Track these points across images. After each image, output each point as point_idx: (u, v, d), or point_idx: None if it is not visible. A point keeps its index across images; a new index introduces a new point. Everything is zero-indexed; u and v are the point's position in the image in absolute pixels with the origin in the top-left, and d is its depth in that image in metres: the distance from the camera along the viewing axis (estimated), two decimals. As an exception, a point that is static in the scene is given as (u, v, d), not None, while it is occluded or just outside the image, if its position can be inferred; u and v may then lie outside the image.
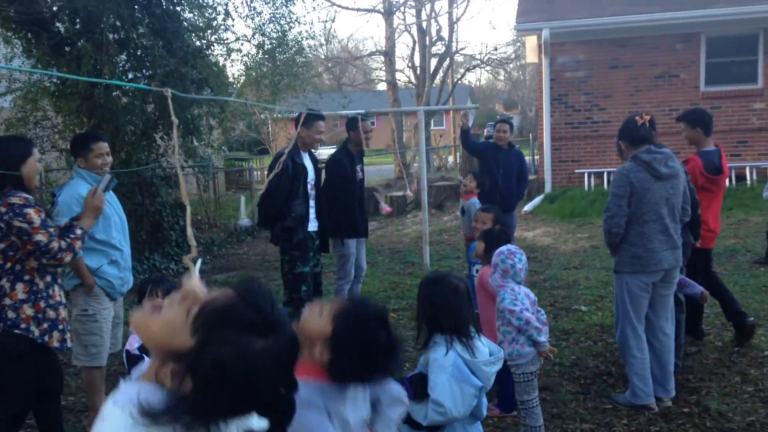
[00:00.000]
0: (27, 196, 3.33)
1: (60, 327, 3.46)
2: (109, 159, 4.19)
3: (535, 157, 16.22)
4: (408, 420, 2.47)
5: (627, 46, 13.03)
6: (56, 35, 8.11)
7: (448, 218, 12.60)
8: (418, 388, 2.46)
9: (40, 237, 3.27)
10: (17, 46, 8.42)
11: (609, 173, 12.65)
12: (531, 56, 16.43)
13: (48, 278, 3.43)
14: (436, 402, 2.39)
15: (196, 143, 9.49)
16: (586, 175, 13.22)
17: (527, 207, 12.44)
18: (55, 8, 8.14)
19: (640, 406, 4.06)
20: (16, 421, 3.43)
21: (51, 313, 3.41)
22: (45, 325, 3.38)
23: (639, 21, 12.55)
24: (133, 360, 3.25)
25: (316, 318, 1.83)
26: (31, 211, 3.27)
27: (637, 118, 4.13)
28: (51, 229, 3.34)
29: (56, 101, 8.36)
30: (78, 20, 7.94)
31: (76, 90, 7.89)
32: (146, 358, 3.25)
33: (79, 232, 3.50)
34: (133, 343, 3.28)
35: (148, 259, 8.53)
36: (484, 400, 2.57)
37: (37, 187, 3.57)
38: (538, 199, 13.04)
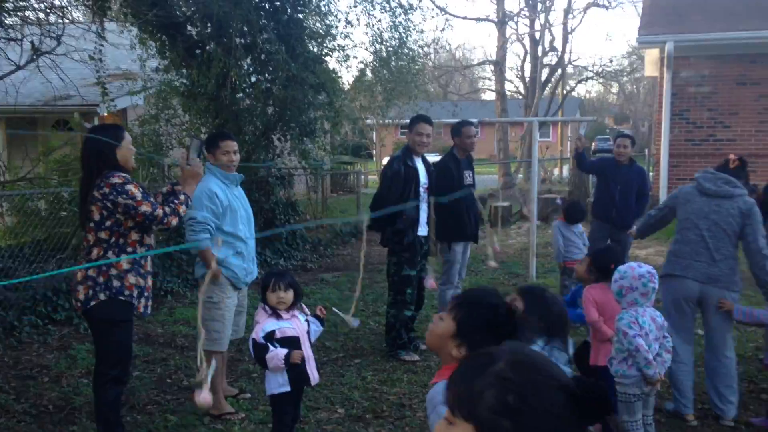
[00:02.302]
0: (125, 174, 3.59)
1: (146, 294, 3.73)
2: (236, 157, 4.45)
3: (650, 173, 15.59)
4: None
5: (757, 62, 12.29)
6: (189, 38, 8.62)
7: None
8: None
9: (145, 208, 3.53)
10: (151, 47, 8.99)
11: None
12: (650, 69, 15.82)
13: (144, 249, 3.68)
14: None
15: (310, 145, 9.78)
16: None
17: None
18: (189, 13, 8.65)
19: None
20: (119, 382, 3.69)
21: (141, 281, 3.68)
22: (136, 292, 3.64)
23: (770, 36, 11.80)
24: (259, 349, 3.41)
25: (438, 323, 1.99)
26: (131, 187, 3.54)
27: (730, 157, 4.48)
28: (152, 200, 3.60)
29: (186, 101, 8.86)
30: (209, 24, 8.40)
31: (205, 91, 8.34)
32: (270, 346, 3.40)
33: (182, 197, 3.72)
34: (259, 333, 3.43)
35: (260, 255, 8.88)
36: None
37: (134, 168, 3.83)
38: (651, 218, 12.53)
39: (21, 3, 7.39)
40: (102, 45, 7.88)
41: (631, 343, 3.40)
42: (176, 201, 3.69)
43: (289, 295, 3.62)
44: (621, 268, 3.56)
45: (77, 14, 8.91)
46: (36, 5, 7.54)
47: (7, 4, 7.06)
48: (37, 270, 6.61)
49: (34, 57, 7.04)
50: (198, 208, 4.16)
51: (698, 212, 4.26)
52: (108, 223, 3.56)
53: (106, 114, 10.47)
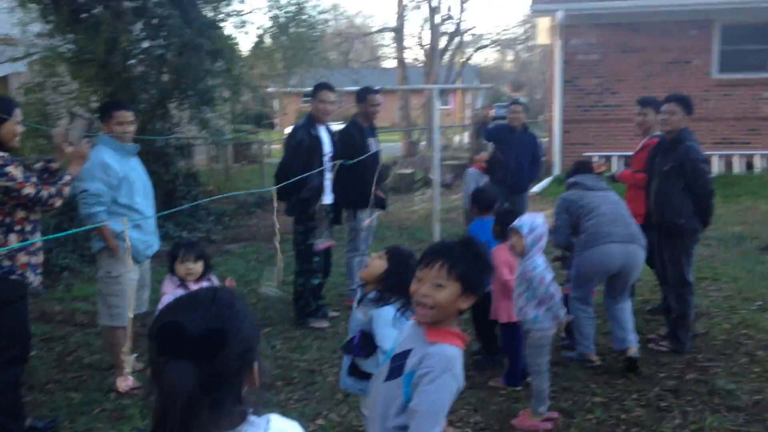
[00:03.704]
0: (3, 154, 3.42)
1: (38, 271, 3.64)
2: (132, 128, 4.34)
3: (545, 139, 16.24)
4: (354, 372, 2.80)
5: (640, 30, 12.99)
6: (73, 1, 8.12)
7: (456, 197, 12.66)
8: (366, 347, 2.71)
9: (28, 190, 3.41)
10: (32, 10, 8.41)
11: (619, 157, 12.68)
12: (543, 38, 16.39)
13: (31, 225, 3.56)
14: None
15: (209, 114, 9.53)
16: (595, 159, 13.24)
17: (536, 188, 12.49)
18: (72, -26, 8.14)
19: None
20: (18, 362, 3.58)
21: (33, 259, 3.57)
22: (29, 271, 3.54)
23: (654, 6, 12.50)
24: None
25: (441, 292, 1.98)
26: (11, 169, 3.38)
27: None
28: (34, 180, 3.47)
29: (73, 68, 8.39)
30: (96, -13, 7.95)
31: (93, 57, 7.92)
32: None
33: (67, 178, 3.62)
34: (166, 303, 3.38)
35: (161, 228, 8.62)
36: None
37: (17, 147, 3.62)
38: (546, 181, 13.09)
39: None
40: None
41: (548, 289, 3.66)
42: (60, 182, 3.55)
43: (198, 267, 3.58)
44: (526, 221, 3.75)
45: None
46: None
47: None
48: None
49: None
50: (90, 180, 4.03)
51: (594, 201, 4.51)
52: None
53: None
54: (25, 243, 3.45)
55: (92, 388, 4.30)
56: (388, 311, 2.66)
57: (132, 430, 3.74)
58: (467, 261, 2.00)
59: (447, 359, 1.95)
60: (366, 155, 5.90)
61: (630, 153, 6.22)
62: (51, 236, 3.89)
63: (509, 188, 7.01)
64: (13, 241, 3.45)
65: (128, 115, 4.29)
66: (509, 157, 7.04)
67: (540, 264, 3.72)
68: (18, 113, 3.55)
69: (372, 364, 2.69)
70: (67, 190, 3.59)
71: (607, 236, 4.36)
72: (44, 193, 3.44)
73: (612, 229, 4.38)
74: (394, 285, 2.68)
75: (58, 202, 3.54)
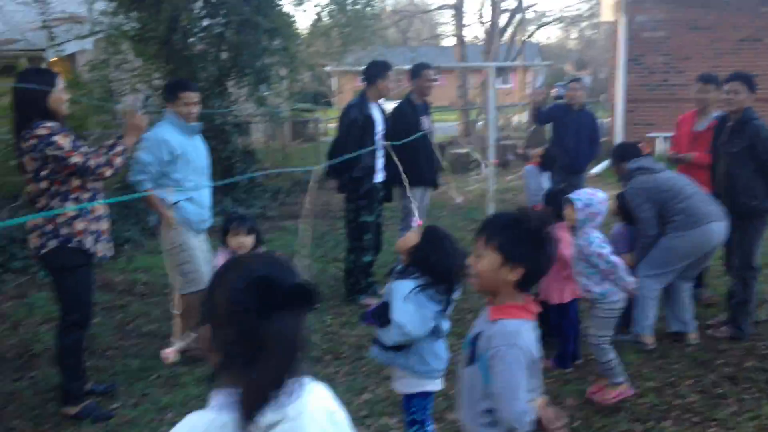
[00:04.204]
0: (52, 124, 3.48)
1: (102, 238, 3.71)
2: (197, 108, 4.36)
3: (607, 119, 15.82)
4: (378, 341, 2.80)
5: (710, 7, 12.43)
6: (137, -20, 8.31)
7: (512, 177, 12.49)
8: (382, 318, 2.71)
9: (76, 158, 3.45)
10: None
11: (682, 138, 12.24)
12: (607, 14, 15.87)
13: (89, 194, 3.63)
14: (397, 324, 2.63)
15: (266, 92, 9.64)
16: (658, 140, 12.83)
17: (595, 169, 12.20)
18: (137, -47, 8.32)
19: None
20: (79, 327, 3.72)
21: (93, 226, 3.65)
22: (90, 237, 3.62)
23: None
24: None
25: (479, 262, 2.00)
26: (58, 138, 3.43)
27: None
28: (83, 149, 3.51)
29: (136, 45, 8.60)
30: (159, -34, 8.10)
31: (156, 35, 8.10)
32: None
33: (119, 149, 3.61)
34: None
35: (219, 203, 8.82)
36: (445, 322, 2.79)
37: (66, 114, 3.69)
38: (606, 163, 12.76)
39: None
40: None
41: (609, 261, 3.60)
42: (111, 152, 3.57)
43: (250, 240, 3.65)
44: (581, 196, 3.67)
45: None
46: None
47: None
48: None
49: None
50: (143, 150, 4.16)
51: (673, 182, 4.38)
52: (44, 172, 3.49)
53: (54, 59, 10.11)
54: (70, 209, 3.52)
55: (149, 355, 4.46)
56: (406, 285, 2.66)
57: (185, 396, 3.86)
58: (508, 231, 1.97)
59: (509, 334, 1.94)
60: (417, 134, 5.86)
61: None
62: (98, 202, 3.94)
63: (566, 169, 6.85)
64: (69, 207, 3.54)
65: (194, 96, 4.32)
66: (566, 136, 6.87)
67: (595, 239, 3.65)
68: (60, 81, 3.61)
69: (386, 334, 2.69)
70: (118, 161, 3.58)
71: (707, 216, 4.25)
72: (92, 162, 3.47)
73: (708, 208, 4.28)
74: (420, 261, 2.68)
75: (108, 172, 3.55)
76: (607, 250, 3.64)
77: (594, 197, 3.68)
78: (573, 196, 3.71)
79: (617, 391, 3.71)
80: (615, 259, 3.63)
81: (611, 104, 14.31)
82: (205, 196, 4.48)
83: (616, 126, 13.31)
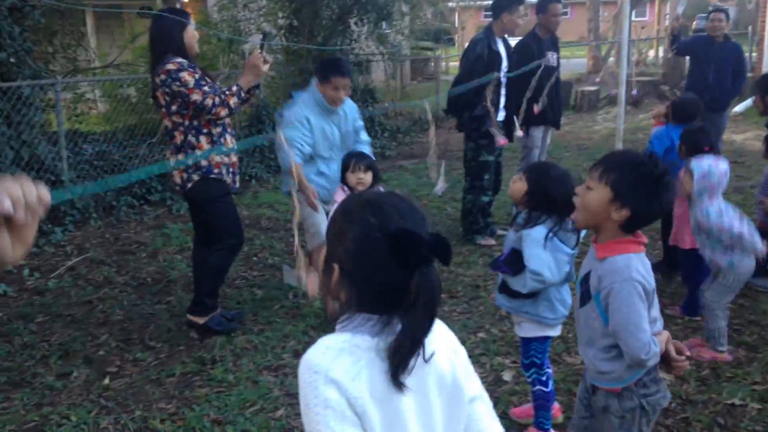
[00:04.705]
0: (181, 60, 3.60)
1: (232, 170, 3.84)
2: (344, 95, 4.09)
3: (753, 53, 14.43)
4: (504, 290, 2.72)
5: None
6: None
7: (644, 116, 11.77)
8: (513, 265, 2.63)
9: (195, 96, 3.54)
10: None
11: None
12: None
13: (219, 128, 3.74)
14: (534, 272, 2.54)
15: (387, 30, 9.55)
16: (814, 76, 11.57)
17: (738, 108, 11.15)
18: None
19: None
20: (233, 251, 3.95)
21: (226, 159, 3.78)
22: (224, 169, 3.77)
23: None
24: None
25: (587, 193, 1.95)
26: (184, 74, 3.54)
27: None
28: (205, 88, 3.58)
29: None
30: None
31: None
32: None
33: (234, 89, 3.64)
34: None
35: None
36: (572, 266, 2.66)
37: (197, 53, 3.81)
38: (751, 100, 11.71)
39: None
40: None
41: (732, 234, 3.36)
42: (227, 92, 3.61)
43: (368, 177, 3.67)
44: (703, 165, 3.41)
45: None
46: None
47: None
48: (130, 154, 6.99)
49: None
50: (290, 128, 3.97)
51: None
52: (174, 107, 3.64)
53: (186, 0, 10.52)
54: (225, 150, 3.66)
55: (273, 286, 4.68)
56: (539, 231, 2.56)
57: (306, 326, 4.03)
58: (625, 170, 1.89)
59: (618, 270, 1.89)
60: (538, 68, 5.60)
61: None
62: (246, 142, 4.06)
63: (707, 106, 6.34)
64: (204, 142, 3.69)
65: (346, 82, 4.06)
66: (708, 71, 6.35)
67: (712, 211, 3.38)
68: (192, 21, 3.74)
69: (519, 282, 2.63)
70: (233, 101, 3.61)
71: None
72: (208, 101, 3.55)
73: None
74: (539, 204, 2.58)
75: (223, 112, 3.61)
76: (727, 221, 3.35)
77: (716, 168, 3.39)
78: (693, 164, 3.43)
79: (714, 354, 3.47)
80: (737, 229, 3.35)
81: (760, 37, 13.01)
82: (334, 170, 4.39)
83: (764, 60, 12.11)
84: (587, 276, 2.01)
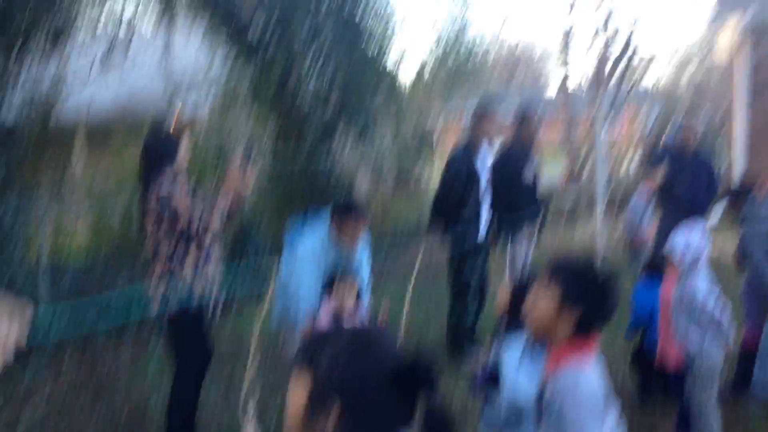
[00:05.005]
0: (174, 174, 3.65)
1: (215, 298, 3.79)
2: (359, 235, 4.04)
3: (726, 162, 14.95)
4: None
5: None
6: (250, 45, 8.76)
7: (621, 226, 11.99)
8: (493, 379, 2.61)
9: (183, 210, 3.56)
10: (216, 53, 9.20)
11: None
12: (721, 55, 15.17)
13: (206, 248, 3.71)
14: (507, 399, 2.50)
15: (370, 146, 9.82)
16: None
17: (714, 214, 11.50)
18: (249, 19, 8.81)
19: None
20: (200, 378, 3.87)
21: (210, 282, 3.74)
22: (207, 297, 3.73)
23: None
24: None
25: (536, 303, 1.95)
26: (176, 187, 3.58)
27: None
28: (193, 205, 3.59)
29: (250, 101, 9.05)
30: (270, 30, 8.54)
31: (266, 95, 8.51)
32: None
33: (217, 206, 3.63)
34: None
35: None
36: None
37: (187, 169, 3.90)
38: (722, 211, 12.01)
39: (91, 17, 7.72)
40: (169, 54, 8.13)
41: (712, 315, 3.38)
42: (213, 207, 3.62)
43: (353, 294, 3.66)
44: (679, 240, 3.45)
45: (145, 25, 9.19)
46: (105, 18, 7.85)
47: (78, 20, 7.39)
48: (110, 283, 6.89)
49: (104, 69, 7.32)
50: (302, 270, 3.88)
51: None
52: (163, 224, 3.61)
53: (174, 121, 10.80)
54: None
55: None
56: (514, 351, 2.53)
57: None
58: (573, 273, 1.92)
59: (572, 385, 1.86)
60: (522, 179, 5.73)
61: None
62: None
63: (683, 214, 6.47)
64: (191, 262, 3.66)
65: (361, 226, 4.07)
66: (682, 180, 6.53)
67: (702, 288, 3.40)
68: (185, 138, 3.85)
69: (495, 413, 2.59)
70: (218, 215, 3.61)
71: None
72: (196, 215, 3.56)
73: None
74: (517, 315, 2.55)
75: (209, 230, 3.61)
76: (712, 302, 3.38)
77: (691, 235, 3.44)
78: (667, 248, 3.48)
79: None
80: (720, 313, 3.37)
81: (729, 146, 13.52)
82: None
83: (735, 167, 12.50)
84: (541, 391, 1.98)
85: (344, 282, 3.65)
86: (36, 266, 6.13)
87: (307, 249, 3.90)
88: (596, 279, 1.91)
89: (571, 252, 3.37)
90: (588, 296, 1.88)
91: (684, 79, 35.42)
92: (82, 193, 8.79)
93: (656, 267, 4.14)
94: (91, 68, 7.54)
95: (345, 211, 4.02)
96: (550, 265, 1.99)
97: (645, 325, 4.21)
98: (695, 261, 3.41)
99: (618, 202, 13.25)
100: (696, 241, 3.42)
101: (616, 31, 20.39)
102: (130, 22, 8.28)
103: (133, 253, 7.21)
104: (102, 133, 12.30)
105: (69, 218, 8.12)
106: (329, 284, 3.75)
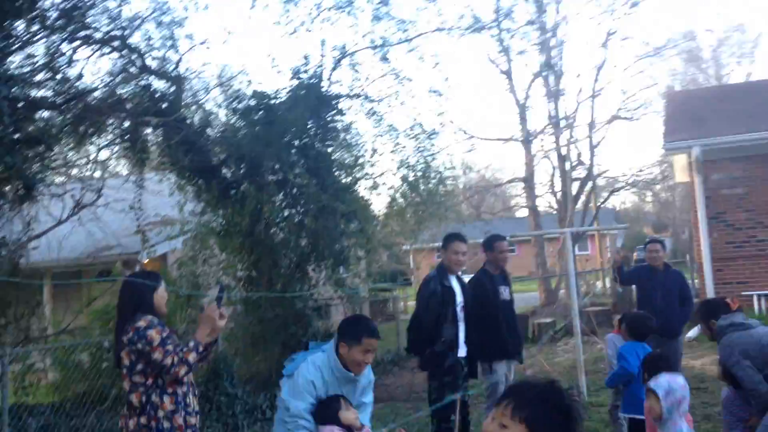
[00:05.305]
0: (151, 318, 3.60)
1: None
2: (370, 357, 3.69)
3: (695, 280, 15.20)
4: None
5: (788, 159, 12.19)
6: (223, 180, 8.99)
7: (603, 346, 11.89)
8: None
9: (157, 355, 3.47)
10: (188, 192, 9.37)
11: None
12: (681, 176, 15.84)
13: (185, 388, 3.62)
14: None
15: (345, 274, 9.83)
16: (755, 297, 12.11)
17: (690, 333, 11.49)
18: (223, 156, 9.07)
19: None
20: None
21: (191, 420, 3.61)
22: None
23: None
24: None
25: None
26: (152, 332, 3.52)
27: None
28: (169, 347, 3.51)
29: (221, 240, 9.09)
30: (243, 165, 8.78)
31: (240, 229, 8.58)
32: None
33: (191, 345, 3.57)
34: None
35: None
36: None
37: (165, 313, 3.84)
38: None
39: (66, 161, 7.87)
40: (141, 194, 8.26)
41: None
42: (184, 349, 3.54)
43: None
44: (663, 382, 3.43)
45: (118, 166, 9.42)
46: (78, 161, 8.01)
47: (54, 164, 7.52)
48: (77, 425, 6.59)
49: (76, 211, 7.37)
50: (297, 397, 3.57)
51: (764, 338, 4.08)
52: (139, 366, 3.55)
53: (146, 261, 10.77)
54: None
55: None
56: None
57: None
58: (537, 404, 1.80)
59: None
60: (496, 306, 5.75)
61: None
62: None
63: (660, 334, 6.47)
64: (168, 402, 3.54)
65: (374, 343, 3.69)
66: (654, 298, 6.59)
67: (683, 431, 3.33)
68: (163, 284, 3.83)
69: None
70: (191, 356, 3.52)
71: None
72: (168, 360, 3.47)
73: None
74: None
75: (183, 370, 3.50)
76: None
77: (675, 383, 3.44)
78: (652, 384, 3.46)
79: None
80: None
81: (698, 264, 13.81)
82: None
83: (706, 287, 12.70)
84: None
85: (350, 409, 3.52)
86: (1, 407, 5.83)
87: (308, 377, 3.59)
88: (559, 410, 1.80)
89: (537, 377, 3.25)
90: (554, 429, 1.78)
91: (648, 198, 36.71)
92: (51, 332, 8.57)
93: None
94: (63, 209, 7.60)
95: (359, 328, 3.66)
96: (511, 395, 1.87)
97: (629, 381, 4.20)
98: (677, 405, 3.39)
99: (596, 322, 13.25)
100: (680, 387, 3.43)
101: (579, 156, 21.39)
102: (103, 164, 8.48)
103: (102, 395, 6.95)
104: (72, 273, 12.21)
105: (36, 358, 7.86)
106: (334, 411, 3.57)
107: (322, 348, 3.73)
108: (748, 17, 73.39)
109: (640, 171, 24.44)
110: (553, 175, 22.36)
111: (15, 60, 6.83)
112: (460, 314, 5.50)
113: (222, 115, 9.56)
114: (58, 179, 8.34)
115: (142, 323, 3.54)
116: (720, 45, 36.87)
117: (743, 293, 12.28)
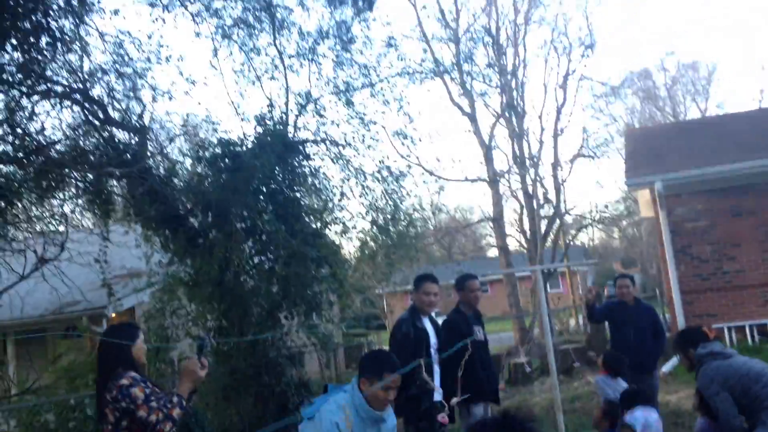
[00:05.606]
0: (135, 375, 3.58)
1: None
2: (393, 394, 3.73)
3: (667, 314, 15.33)
4: None
5: (750, 192, 12.48)
6: (191, 229, 8.85)
7: (579, 384, 11.86)
8: None
9: (141, 413, 3.44)
10: (155, 243, 9.21)
11: (751, 327, 11.69)
12: (645, 211, 16.13)
13: None
14: None
15: (317, 320, 9.68)
16: (725, 330, 12.23)
17: (665, 368, 11.51)
18: (189, 205, 8.96)
19: None
20: None
21: None
22: None
23: (760, 165, 12.07)
24: None
25: None
26: (136, 390, 3.49)
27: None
28: (153, 403, 3.48)
29: (190, 290, 8.91)
30: (210, 214, 8.67)
31: (209, 278, 8.42)
32: None
33: (175, 400, 3.54)
34: None
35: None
36: None
37: (145, 364, 3.88)
38: (675, 359, 12.08)
39: (27, 215, 7.69)
40: (107, 246, 8.09)
41: None
42: (169, 405, 3.50)
43: None
44: (639, 417, 3.43)
45: (82, 219, 9.24)
46: (41, 215, 7.85)
47: (15, 218, 7.35)
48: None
49: (39, 266, 7.20)
50: None
51: (750, 366, 4.10)
52: (124, 423, 3.50)
53: (113, 315, 10.52)
54: None
55: None
56: None
57: None
58: None
59: None
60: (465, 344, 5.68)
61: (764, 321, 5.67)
62: None
63: (635, 368, 6.46)
64: None
65: (398, 381, 3.76)
66: (627, 334, 6.59)
67: None
68: (141, 335, 3.82)
69: None
70: (176, 412, 3.49)
71: None
72: (153, 417, 3.44)
73: None
74: None
75: (168, 426, 3.45)
76: None
77: (650, 417, 3.45)
78: (628, 419, 3.47)
79: None
80: None
81: (668, 298, 13.96)
82: None
83: (677, 320, 12.82)
84: None
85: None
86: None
87: (333, 419, 3.49)
88: None
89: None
90: None
91: (616, 234, 37.24)
92: (15, 392, 8.26)
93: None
94: (25, 264, 7.40)
95: (382, 366, 3.60)
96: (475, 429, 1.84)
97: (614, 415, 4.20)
98: None
99: (571, 359, 13.24)
100: (655, 421, 3.43)
101: (545, 194, 21.65)
102: (66, 217, 8.31)
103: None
104: (37, 329, 11.86)
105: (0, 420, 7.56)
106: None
107: (343, 388, 3.66)
108: (699, 54, 76.13)
109: (606, 207, 24.84)
110: (521, 214, 22.57)
111: (-27, 116, 6.74)
112: (435, 356, 5.43)
113: (188, 163, 9.49)
114: (21, 235, 8.16)
115: (125, 381, 3.51)
116: (674, 83, 38.18)
117: (714, 326, 12.41)
